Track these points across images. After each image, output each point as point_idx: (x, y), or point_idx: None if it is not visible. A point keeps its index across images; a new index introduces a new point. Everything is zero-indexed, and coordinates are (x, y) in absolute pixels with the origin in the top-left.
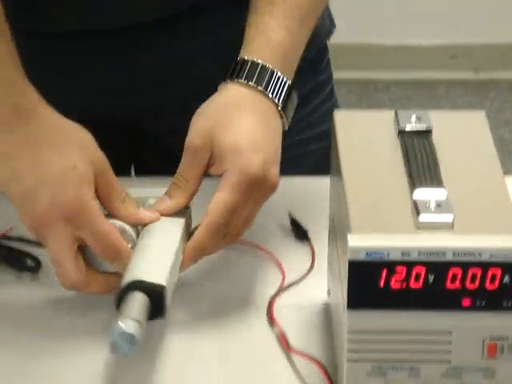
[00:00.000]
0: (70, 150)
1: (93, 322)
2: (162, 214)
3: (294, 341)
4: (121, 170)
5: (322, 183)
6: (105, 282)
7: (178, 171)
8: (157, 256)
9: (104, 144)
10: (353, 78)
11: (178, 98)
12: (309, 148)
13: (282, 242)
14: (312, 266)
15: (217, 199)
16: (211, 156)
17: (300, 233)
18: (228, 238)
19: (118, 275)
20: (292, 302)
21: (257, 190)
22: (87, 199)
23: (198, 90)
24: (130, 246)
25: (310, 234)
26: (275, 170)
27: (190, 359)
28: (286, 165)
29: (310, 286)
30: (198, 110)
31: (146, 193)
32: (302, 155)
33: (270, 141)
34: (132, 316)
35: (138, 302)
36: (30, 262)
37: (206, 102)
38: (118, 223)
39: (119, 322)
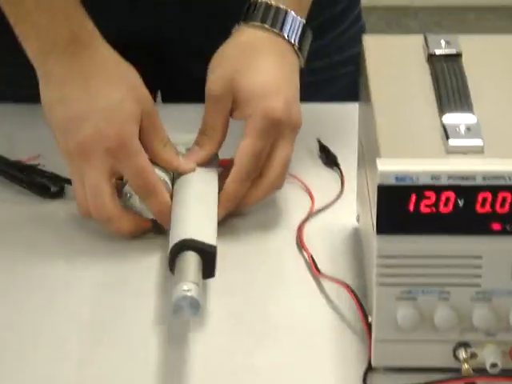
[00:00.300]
0: (120, 85)
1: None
2: (198, 163)
3: (322, 265)
4: None
5: (351, 109)
6: (135, 221)
7: (203, 120)
8: (201, 213)
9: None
10: (382, 4)
11: (204, 19)
12: (337, 72)
13: (311, 168)
14: (341, 192)
15: (243, 146)
16: (233, 102)
17: (329, 159)
18: (274, 182)
19: (148, 221)
20: (321, 227)
21: (284, 131)
22: (131, 135)
23: (221, 12)
24: None
25: (339, 160)
26: (297, 109)
27: (216, 286)
28: (314, 88)
29: (339, 211)
30: (215, 56)
31: (174, 139)
32: (331, 79)
33: (290, 81)
34: (193, 279)
35: (194, 262)
36: (53, 188)
37: (222, 46)
38: (155, 170)
39: (184, 286)
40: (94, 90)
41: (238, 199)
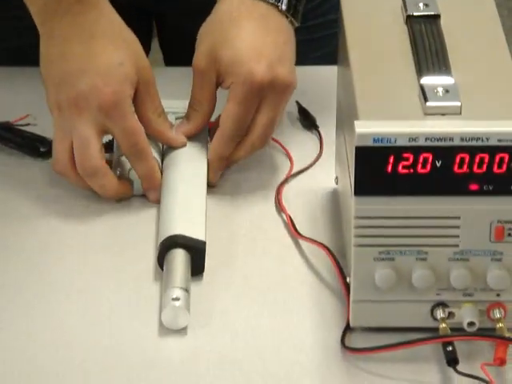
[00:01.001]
0: (122, 49)
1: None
2: (186, 135)
3: (301, 227)
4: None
5: (330, 72)
6: (119, 182)
7: (191, 95)
8: (191, 203)
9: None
10: None
11: None
12: (333, 31)
13: (290, 131)
14: (320, 154)
15: (225, 111)
16: (219, 74)
17: (308, 121)
18: (255, 143)
19: (130, 188)
20: (300, 189)
21: (268, 94)
22: (125, 96)
23: None
24: None
25: (318, 123)
26: (284, 69)
27: None
28: (309, 47)
29: (319, 173)
30: (201, 30)
31: (166, 105)
32: (327, 36)
33: (274, 43)
34: (182, 284)
35: (183, 262)
36: (42, 148)
37: (204, 22)
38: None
39: (173, 294)
40: (95, 49)
41: (224, 160)
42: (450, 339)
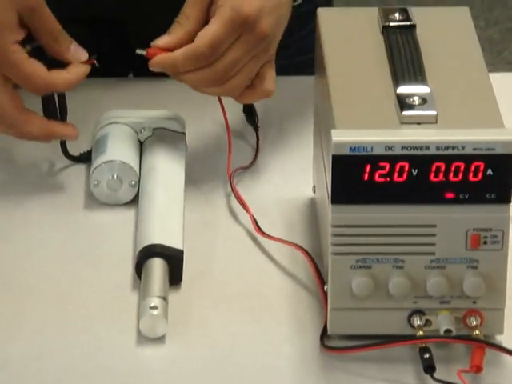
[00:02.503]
0: None
1: None
2: (162, 49)
3: (279, 235)
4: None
5: (307, 81)
6: (43, 123)
7: (180, 11)
8: (168, 212)
9: (92, 43)
10: None
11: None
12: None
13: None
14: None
15: (204, 30)
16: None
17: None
18: (226, 86)
19: (57, 123)
20: (277, 198)
21: (247, 32)
22: (6, 43)
23: None
24: (133, 182)
25: (295, 133)
26: (270, 21)
27: None
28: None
29: (296, 182)
30: None
31: (142, 115)
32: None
33: None
34: (160, 293)
35: (161, 272)
36: None
37: None
38: (119, 160)
39: (151, 303)
40: None
41: (175, 69)
42: (428, 341)
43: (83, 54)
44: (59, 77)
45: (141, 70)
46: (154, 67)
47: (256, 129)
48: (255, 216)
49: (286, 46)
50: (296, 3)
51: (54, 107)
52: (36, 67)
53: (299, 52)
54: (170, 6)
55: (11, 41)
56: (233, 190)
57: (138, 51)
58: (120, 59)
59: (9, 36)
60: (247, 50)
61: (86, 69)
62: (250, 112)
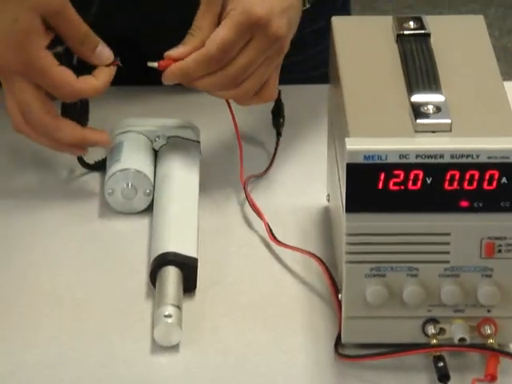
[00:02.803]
0: (5, 2)
1: None
2: (175, 60)
3: (294, 243)
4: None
5: (321, 90)
6: (76, 129)
7: (193, 23)
8: (182, 220)
9: None
10: None
11: (179, 20)
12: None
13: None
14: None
15: (215, 33)
16: (223, 4)
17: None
18: (239, 89)
19: (90, 129)
20: (292, 207)
21: (259, 34)
22: (34, 54)
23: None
24: (147, 191)
25: (311, 141)
26: (281, 22)
27: None
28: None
29: (310, 190)
30: None
31: (154, 123)
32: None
33: None
34: (174, 301)
35: (175, 280)
36: None
37: None
38: (134, 168)
39: (165, 311)
40: None
41: (188, 77)
42: (442, 349)
43: (109, 55)
44: (87, 83)
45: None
46: (167, 79)
47: (278, 132)
48: (269, 224)
49: (302, 61)
50: (305, 8)
51: (75, 112)
52: (65, 74)
53: (314, 67)
54: (181, 21)
55: (39, 46)
56: (247, 197)
57: (150, 64)
58: (131, 72)
59: (37, 42)
60: (260, 53)
61: (112, 71)
62: (277, 113)
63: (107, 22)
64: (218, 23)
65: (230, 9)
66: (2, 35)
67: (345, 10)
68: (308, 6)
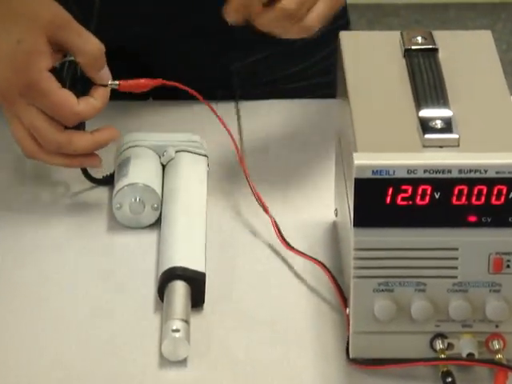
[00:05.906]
0: (14, 23)
1: None
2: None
3: (300, 258)
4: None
5: (329, 105)
6: (86, 136)
7: None
8: (190, 235)
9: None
10: (363, 2)
11: (178, 33)
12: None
13: None
14: None
15: None
16: None
17: None
18: (301, 28)
19: (98, 131)
20: (299, 221)
21: None
22: (37, 76)
23: (210, 25)
24: (155, 205)
25: (318, 156)
26: None
27: None
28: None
29: (318, 205)
30: None
31: (165, 138)
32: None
33: None
34: (182, 316)
35: (183, 294)
36: None
37: None
38: (142, 183)
39: (173, 326)
40: None
41: (247, 11)
42: (451, 362)
43: (109, 76)
44: (88, 105)
45: (159, 93)
46: (230, 16)
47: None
48: (276, 236)
49: (306, 68)
50: None
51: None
52: (66, 97)
53: (318, 73)
54: (179, 35)
55: (41, 68)
56: (259, 200)
57: (110, 82)
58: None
59: (40, 63)
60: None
61: (108, 89)
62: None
63: (106, 34)
64: None
65: None
66: (5, 56)
67: (344, 11)
68: None
